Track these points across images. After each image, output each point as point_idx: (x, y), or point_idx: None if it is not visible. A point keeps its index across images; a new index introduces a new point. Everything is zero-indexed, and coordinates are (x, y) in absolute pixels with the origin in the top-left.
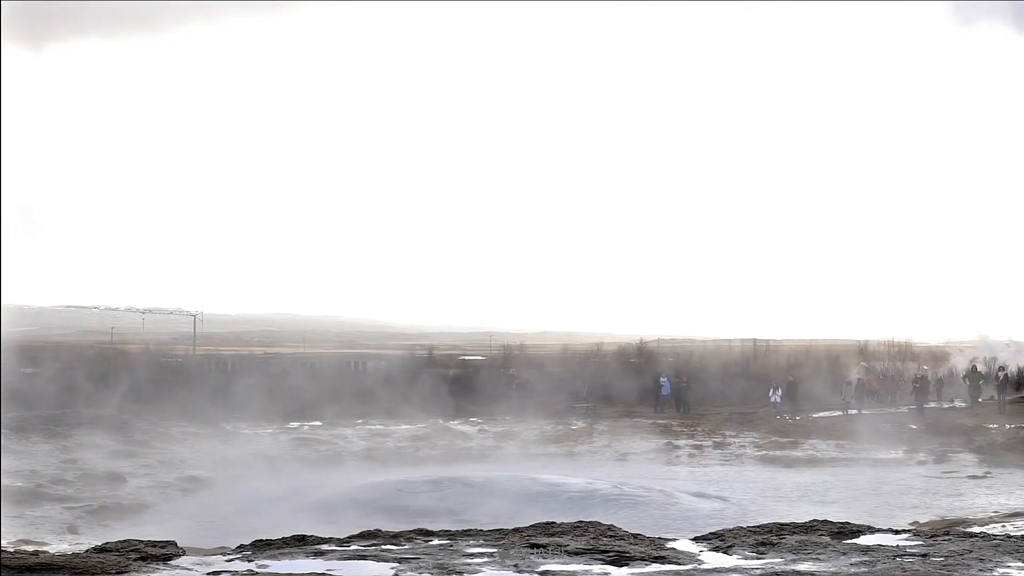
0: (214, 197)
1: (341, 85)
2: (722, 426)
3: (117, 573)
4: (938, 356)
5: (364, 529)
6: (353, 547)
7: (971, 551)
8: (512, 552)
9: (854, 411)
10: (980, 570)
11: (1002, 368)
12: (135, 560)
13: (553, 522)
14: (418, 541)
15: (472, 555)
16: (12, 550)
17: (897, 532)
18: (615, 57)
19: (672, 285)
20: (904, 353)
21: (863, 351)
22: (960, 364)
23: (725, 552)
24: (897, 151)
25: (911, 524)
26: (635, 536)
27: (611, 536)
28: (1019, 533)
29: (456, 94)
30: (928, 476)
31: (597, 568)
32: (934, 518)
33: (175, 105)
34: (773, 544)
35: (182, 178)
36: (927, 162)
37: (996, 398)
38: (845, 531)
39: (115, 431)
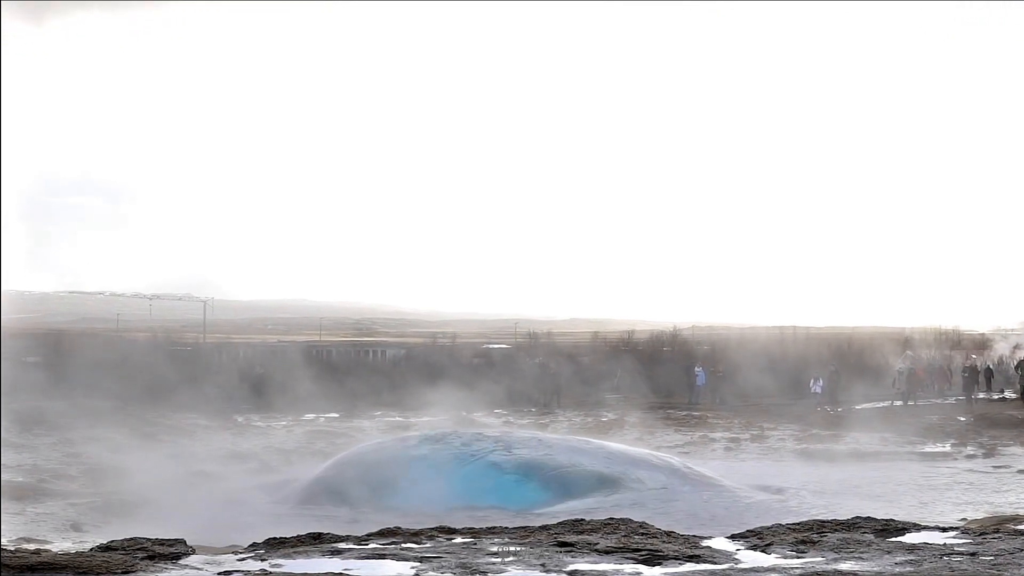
0: (224, 177)
1: (361, 64)
2: (760, 418)
3: (123, 573)
4: (983, 344)
5: (384, 527)
6: (371, 545)
7: (1022, 550)
8: (539, 551)
9: (899, 403)
10: None
11: None
12: (142, 559)
13: (582, 519)
14: (440, 539)
15: (496, 553)
16: (13, 549)
17: (944, 530)
18: (643, 46)
19: (708, 269)
20: (951, 341)
21: (908, 339)
22: (1007, 352)
23: (763, 551)
24: (943, 134)
25: (959, 521)
26: (668, 534)
27: (643, 534)
28: None
29: (478, 80)
30: (977, 471)
31: (628, 567)
32: (983, 515)
33: (182, 81)
34: (813, 542)
35: (190, 157)
36: (973, 145)
37: None
38: (889, 528)
39: (121, 423)
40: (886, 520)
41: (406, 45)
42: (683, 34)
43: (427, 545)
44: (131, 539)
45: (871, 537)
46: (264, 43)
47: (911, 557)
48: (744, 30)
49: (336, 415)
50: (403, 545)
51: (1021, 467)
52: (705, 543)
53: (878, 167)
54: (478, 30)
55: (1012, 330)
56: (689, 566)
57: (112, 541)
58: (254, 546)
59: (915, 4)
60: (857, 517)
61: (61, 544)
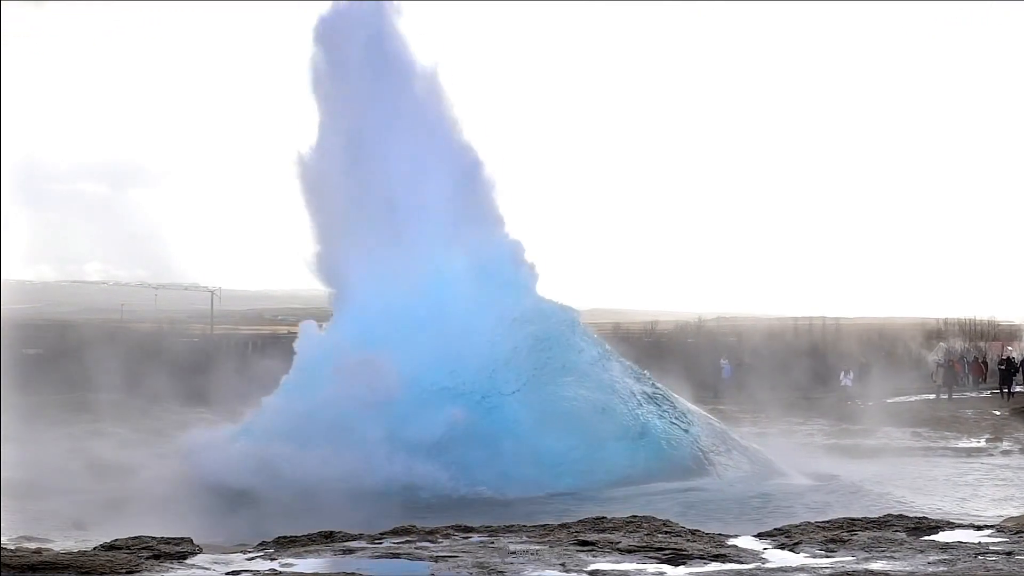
0: (231, 160)
1: None
2: (788, 413)
3: (127, 573)
4: (1018, 335)
5: (397, 525)
6: (385, 544)
7: None
8: (558, 549)
9: (934, 396)
10: None
11: None
12: (147, 559)
13: (604, 517)
14: (456, 537)
15: (515, 552)
16: (13, 548)
17: (979, 528)
18: (673, 39)
19: (734, 258)
20: (986, 333)
21: (941, 331)
22: None
23: (791, 550)
24: (974, 121)
25: (994, 519)
26: (693, 532)
27: (667, 532)
28: None
29: (493, 72)
30: (1013, 467)
31: (651, 567)
32: (1020, 513)
33: (190, 65)
34: (843, 541)
35: (196, 140)
36: (1005, 134)
37: None
38: (922, 527)
39: (125, 418)
40: (918, 518)
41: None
42: (695, 29)
43: (443, 544)
44: (136, 538)
45: (903, 535)
46: (273, 26)
47: (944, 556)
48: (755, 24)
49: None
50: (418, 544)
51: None
52: (731, 542)
53: (913, 154)
54: (497, 25)
55: None
56: (714, 566)
57: (116, 540)
58: (263, 544)
59: None
60: (888, 515)
61: (63, 543)
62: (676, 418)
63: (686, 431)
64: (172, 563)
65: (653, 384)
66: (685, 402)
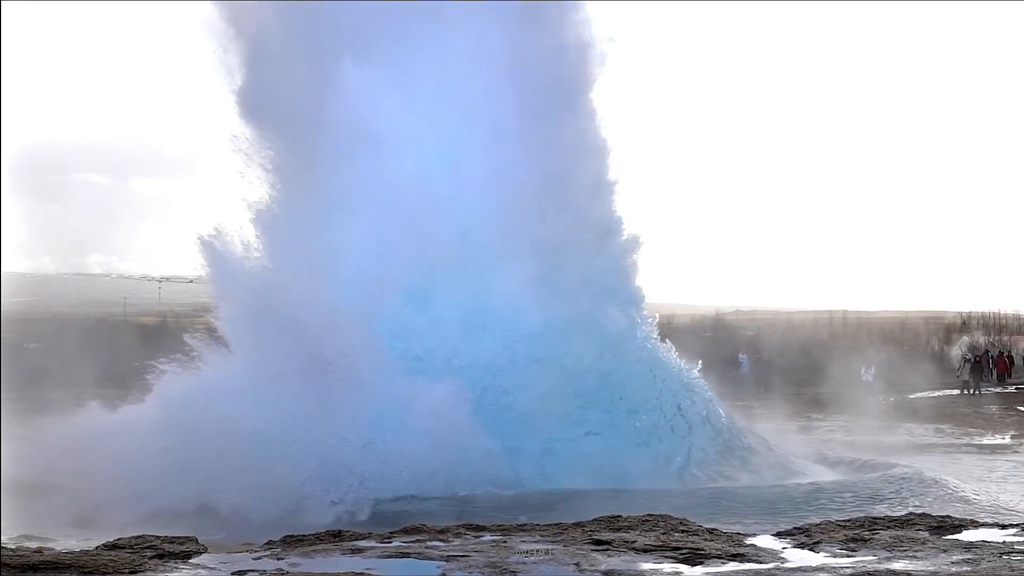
0: (238, 151)
1: None
2: (808, 408)
3: (130, 573)
4: None
5: (408, 524)
6: (395, 543)
7: None
8: (572, 549)
9: (956, 391)
10: None
11: None
12: (151, 558)
13: (619, 516)
14: (467, 536)
15: (527, 552)
16: (14, 547)
17: (1004, 527)
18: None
19: (753, 251)
20: (1011, 326)
21: (965, 324)
22: None
23: (811, 549)
24: (1000, 112)
25: (1020, 518)
26: (711, 531)
27: (684, 531)
28: None
29: None
30: None
31: (668, 567)
32: None
33: (186, 57)
34: (865, 540)
35: (198, 126)
36: None
37: None
38: (945, 525)
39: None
40: (942, 517)
41: None
42: (692, 28)
43: (454, 543)
44: (139, 537)
45: (926, 534)
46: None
47: (968, 556)
48: (754, 23)
49: None
50: (428, 543)
51: None
52: (749, 541)
53: (935, 147)
54: None
55: None
56: (732, 565)
57: (119, 539)
58: (270, 544)
59: None
60: (911, 513)
61: (65, 542)
62: (732, 447)
63: (745, 460)
64: (176, 562)
65: (707, 398)
66: (741, 422)
